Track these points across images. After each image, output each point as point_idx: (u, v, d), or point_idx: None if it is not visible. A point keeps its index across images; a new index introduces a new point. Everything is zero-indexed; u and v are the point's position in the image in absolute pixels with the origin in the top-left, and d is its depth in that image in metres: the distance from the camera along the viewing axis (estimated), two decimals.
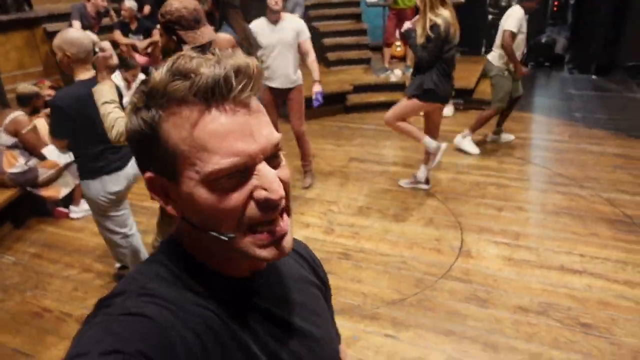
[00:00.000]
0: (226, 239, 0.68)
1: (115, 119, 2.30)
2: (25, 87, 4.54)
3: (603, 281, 3.23)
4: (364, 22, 8.34)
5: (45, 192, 4.27)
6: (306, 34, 4.36)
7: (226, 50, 0.68)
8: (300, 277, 0.92)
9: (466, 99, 6.77)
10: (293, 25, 4.29)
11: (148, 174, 0.71)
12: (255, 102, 0.69)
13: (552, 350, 2.70)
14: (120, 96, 2.74)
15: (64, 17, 6.27)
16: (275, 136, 0.69)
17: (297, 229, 3.99)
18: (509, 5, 5.36)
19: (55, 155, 4.17)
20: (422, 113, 4.51)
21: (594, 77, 8.09)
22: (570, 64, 8.82)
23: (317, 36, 8.10)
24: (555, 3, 9.90)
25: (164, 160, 0.67)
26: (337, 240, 3.87)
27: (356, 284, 3.36)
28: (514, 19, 4.84)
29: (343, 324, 2.87)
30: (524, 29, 4.94)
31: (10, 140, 4.17)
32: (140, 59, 5.63)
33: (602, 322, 2.88)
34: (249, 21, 4.23)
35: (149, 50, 5.95)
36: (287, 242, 0.71)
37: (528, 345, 2.75)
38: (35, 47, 6.34)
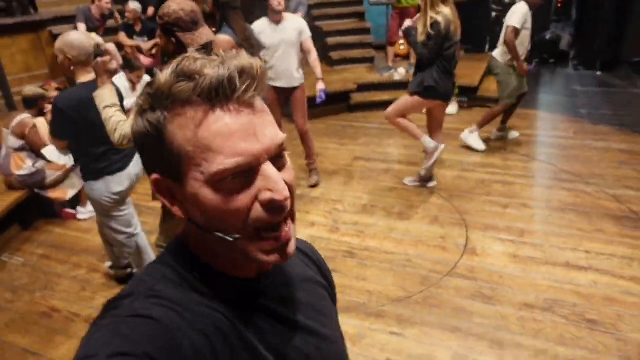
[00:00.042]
0: (231, 239, 0.68)
1: (117, 123, 2.32)
2: (31, 89, 4.57)
3: (609, 277, 3.23)
4: (367, 21, 8.34)
5: (53, 194, 4.31)
6: (308, 33, 4.41)
7: (230, 51, 0.69)
8: (307, 278, 0.92)
9: (470, 97, 6.77)
10: (295, 25, 4.33)
11: (154, 176, 0.71)
12: (259, 102, 0.69)
13: (558, 346, 2.71)
14: (121, 98, 2.77)
15: (69, 20, 6.31)
16: (280, 136, 0.69)
17: (302, 227, 4.00)
18: (512, 2, 5.34)
19: (55, 156, 4.19)
20: (424, 110, 4.51)
21: (598, 73, 8.07)
22: (575, 60, 8.79)
23: (320, 35, 8.11)
24: None
25: (170, 161, 0.67)
26: (342, 238, 3.89)
27: (361, 282, 3.37)
28: (517, 14, 4.84)
29: (349, 322, 2.91)
30: (529, 25, 4.93)
31: (17, 142, 4.20)
32: (145, 60, 5.67)
33: (608, 318, 2.88)
34: (253, 22, 4.26)
35: (154, 51, 5.97)
36: (291, 248, 0.72)
37: (534, 341, 2.75)
38: (41, 50, 6.38)
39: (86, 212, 4.44)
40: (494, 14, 8.33)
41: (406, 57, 7.80)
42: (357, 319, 3.02)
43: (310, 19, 8.03)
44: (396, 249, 3.70)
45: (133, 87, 5.14)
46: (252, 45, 3.52)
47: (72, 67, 2.68)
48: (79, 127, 2.71)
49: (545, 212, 4.10)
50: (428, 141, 4.26)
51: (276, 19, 4.24)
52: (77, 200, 4.45)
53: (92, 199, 2.96)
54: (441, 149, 4.30)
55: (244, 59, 0.67)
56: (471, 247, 3.66)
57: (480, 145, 5.29)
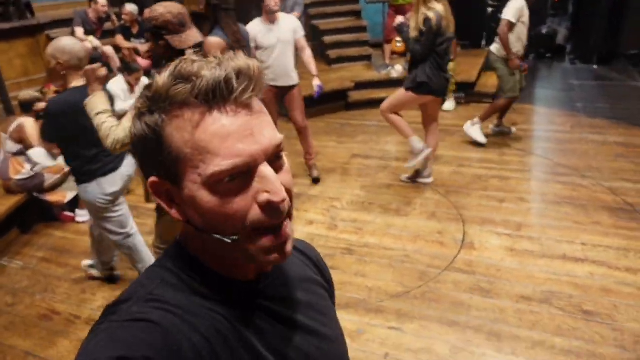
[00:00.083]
0: (229, 241, 0.68)
1: (110, 128, 2.34)
2: (27, 93, 4.59)
3: (605, 269, 3.24)
4: (364, 19, 8.37)
5: (52, 197, 4.34)
6: (302, 32, 4.48)
7: (228, 52, 0.69)
8: (306, 278, 0.92)
9: (468, 93, 6.78)
10: (289, 24, 4.39)
11: (152, 179, 0.71)
12: (257, 104, 0.69)
13: (555, 337, 2.72)
14: (112, 102, 2.80)
15: (67, 23, 6.34)
16: (278, 137, 0.69)
17: (300, 226, 4.03)
18: None
19: (41, 157, 4.22)
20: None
21: (595, 66, 8.08)
22: (572, 54, 8.81)
23: (317, 34, 8.14)
24: None
25: (168, 164, 0.67)
26: (340, 236, 3.91)
27: (360, 278, 3.39)
28: (512, 8, 4.86)
29: (348, 318, 2.92)
30: (525, 19, 4.93)
31: (15, 147, 4.22)
32: (143, 62, 5.69)
33: (604, 308, 2.90)
34: (249, 22, 4.29)
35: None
36: (289, 247, 0.71)
37: (531, 333, 2.77)
38: (39, 54, 6.40)
39: (85, 214, 4.45)
40: (490, 9, 8.35)
41: (403, 54, 7.81)
42: (357, 314, 3.03)
43: (307, 18, 8.06)
44: (394, 245, 3.72)
45: (131, 89, 5.15)
46: (243, 47, 3.54)
47: (63, 72, 2.71)
48: (70, 131, 2.75)
49: (541, 205, 4.12)
50: (416, 142, 4.32)
51: (272, 19, 4.28)
52: (75, 203, 4.47)
53: (86, 201, 3.00)
54: (427, 153, 4.36)
55: (241, 60, 0.67)
56: (469, 241, 3.67)
57: (482, 138, 5.30)
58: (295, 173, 4.75)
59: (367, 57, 7.96)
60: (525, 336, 2.75)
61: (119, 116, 2.48)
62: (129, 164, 3.04)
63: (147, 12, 2.47)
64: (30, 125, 4.17)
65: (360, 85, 7.09)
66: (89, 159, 2.85)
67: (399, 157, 5.27)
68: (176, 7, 2.42)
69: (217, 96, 0.65)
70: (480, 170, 4.79)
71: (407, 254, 3.60)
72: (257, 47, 4.31)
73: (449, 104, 6.56)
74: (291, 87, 4.53)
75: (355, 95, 7.02)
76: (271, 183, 0.66)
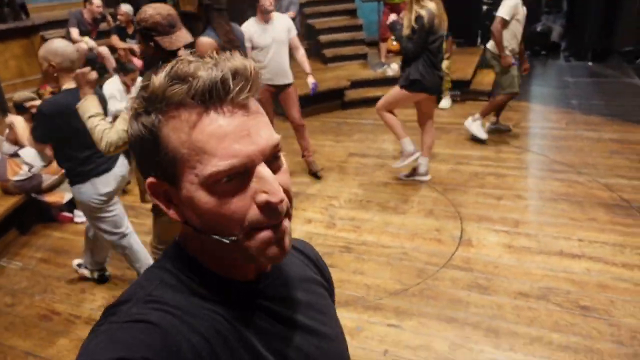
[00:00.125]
0: (227, 242, 0.68)
1: (103, 131, 2.36)
2: (22, 94, 4.58)
3: (601, 264, 3.27)
4: (359, 18, 8.37)
5: (50, 198, 4.34)
6: (295, 31, 4.54)
7: (224, 53, 0.69)
8: (306, 277, 0.92)
9: (463, 90, 6.80)
10: (283, 24, 4.45)
11: (150, 179, 0.71)
12: (254, 104, 0.69)
13: (553, 333, 2.75)
14: (105, 104, 2.81)
15: (61, 24, 6.33)
16: (275, 137, 0.69)
17: (299, 224, 4.04)
18: None
19: (31, 157, 4.21)
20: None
21: (590, 63, 8.12)
22: (567, 51, 8.84)
23: (312, 33, 8.15)
24: None
25: (165, 164, 0.67)
26: (338, 234, 3.92)
27: (359, 276, 3.41)
28: (506, 6, 4.88)
29: (347, 316, 2.94)
30: (520, 17, 4.95)
31: (12, 148, 4.22)
32: (138, 62, 5.68)
33: (601, 304, 2.93)
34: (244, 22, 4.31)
35: None
36: (287, 241, 0.71)
37: (529, 329, 2.80)
38: (34, 55, 6.36)
39: (83, 215, 4.46)
40: (485, 7, 8.37)
41: (399, 52, 7.79)
42: (355, 312, 3.05)
43: (302, 17, 8.06)
44: (392, 242, 3.74)
45: (127, 89, 5.15)
46: (235, 48, 3.55)
47: (56, 74, 2.72)
48: (63, 133, 2.77)
49: (538, 202, 4.15)
50: (408, 144, 4.38)
51: (266, 18, 4.30)
52: (74, 204, 4.46)
53: (81, 201, 3.01)
54: (416, 156, 4.43)
55: (238, 60, 0.66)
56: (466, 238, 3.70)
57: (483, 134, 5.32)
58: (293, 172, 4.76)
59: (363, 56, 7.98)
60: (523, 332, 2.78)
61: (115, 116, 2.49)
62: (121, 165, 3.08)
63: (138, 14, 2.47)
64: (20, 125, 4.14)
65: (356, 84, 7.10)
66: (82, 161, 2.88)
67: (396, 156, 5.27)
68: (165, 9, 2.43)
69: (214, 97, 0.64)
70: (477, 167, 4.81)
71: (405, 251, 3.62)
72: (254, 47, 4.34)
73: (445, 102, 6.58)
74: (287, 86, 4.58)
75: (351, 94, 7.03)
76: (269, 183, 0.66)
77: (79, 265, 3.58)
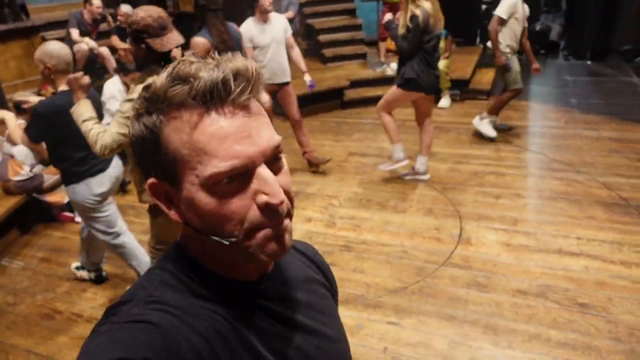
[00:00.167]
0: (227, 243, 0.68)
1: (97, 134, 2.38)
2: (21, 94, 4.60)
3: (600, 262, 3.29)
4: (359, 17, 8.39)
5: (51, 198, 4.36)
6: (290, 30, 4.63)
7: (225, 54, 0.69)
8: (308, 278, 0.92)
9: (462, 90, 6.82)
10: (280, 23, 4.52)
11: (151, 180, 0.71)
12: (255, 105, 0.69)
13: (551, 330, 2.77)
14: (99, 106, 2.83)
15: (61, 25, 6.33)
16: (276, 138, 0.69)
17: (299, 223, 4.06)
18: None
19: (22, 155, 4.23)
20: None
21: (589, 62, 8.14)
22: (565, 50, 8.87)
23: (312, 33, 8.17)
24: None
25: (166, 165, 0.67)
26: (338, 233, 3.94)
27: (359, 274, 3.42)
28: (504, 5, 4.90)
29: (347, 314, 2.96)
30: (519, 15, 4.96)
31: (13, 149, 4.24)
32: None
33: (599, 301, 2.95)
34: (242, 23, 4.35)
35: None
36: (287, 238, 0.71)
37: (527, 326, 2.82)
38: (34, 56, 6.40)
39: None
40: (484, 6, 8.39)
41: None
42: (355, 310, 3.08)
43: (302, 17, 8.08)
44: (392, 241, 3.76)
45: (127, 89, 5.17)
46: (230, 48, 3.58)
47: (52, 76, 2.76)
48: (59, 133, 2.81)
49: (537, 201, 4.16)
50: (398, 151, 4.44)
51: (265, 18, 4.35)
52: None
53: (75, 201, 3.05)
54: (403, 164, 4.49)
55: (239, 61, 0.66)
56: (465, 237, 3.72)
57: (491, 132, 5.34)
58: (293, 171, 4.78)
59: (362, 56, 7.99)
60: (522, 329, 2.80)
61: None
62: (116, 165, 3.13)
63: (129, 17, 2.48)
64: (12, 122, 4.13)
65: (356, 84, 7.11)
66: (77, 161, 2.92)
67: None
68: (156, 11, 2.44)
69: (215, 97, 0.64)
70: (476, 166, 4.83)
71: (405, 250, 3.64)
72: (255, 47, 4.38)
73: (444, 101, 6.60)
74: (286, 84, 4.66)
75: (351, 94, 7.05)
76: (269, 185, 0.66)
77: (77, 268, 3.60)
